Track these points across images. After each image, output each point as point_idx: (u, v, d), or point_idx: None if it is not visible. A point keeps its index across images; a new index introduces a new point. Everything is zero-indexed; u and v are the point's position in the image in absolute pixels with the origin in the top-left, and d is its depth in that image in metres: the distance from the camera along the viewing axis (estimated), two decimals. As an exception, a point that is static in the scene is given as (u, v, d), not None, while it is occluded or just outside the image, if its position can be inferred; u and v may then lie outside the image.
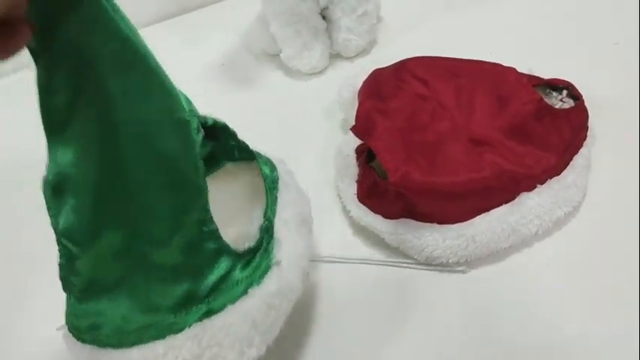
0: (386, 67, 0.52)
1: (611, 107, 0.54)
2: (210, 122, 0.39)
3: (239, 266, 0.36)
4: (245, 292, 0.35)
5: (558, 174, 0.46)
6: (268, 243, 0.38)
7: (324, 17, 0.65)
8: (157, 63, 0.31)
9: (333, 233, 0.50)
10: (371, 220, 0.47)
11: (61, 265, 0.33)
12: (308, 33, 0.64)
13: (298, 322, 0.45)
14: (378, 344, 0.43)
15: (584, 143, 0.48)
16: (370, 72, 0.52)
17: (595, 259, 0.46)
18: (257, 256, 0.37)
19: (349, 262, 0.48)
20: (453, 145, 0.46)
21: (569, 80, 0.51)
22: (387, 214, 0.46)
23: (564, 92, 0.51)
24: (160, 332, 0.34)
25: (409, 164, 0.43)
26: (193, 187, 0.34)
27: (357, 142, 0.50)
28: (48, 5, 0.26)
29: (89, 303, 0.34)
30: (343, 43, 0.66)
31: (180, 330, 0.34)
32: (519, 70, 0.51)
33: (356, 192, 0.48)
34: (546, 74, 0.52)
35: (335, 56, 0.68)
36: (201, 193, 0.34)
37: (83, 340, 0.34)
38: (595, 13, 0.67)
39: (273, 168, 0.42)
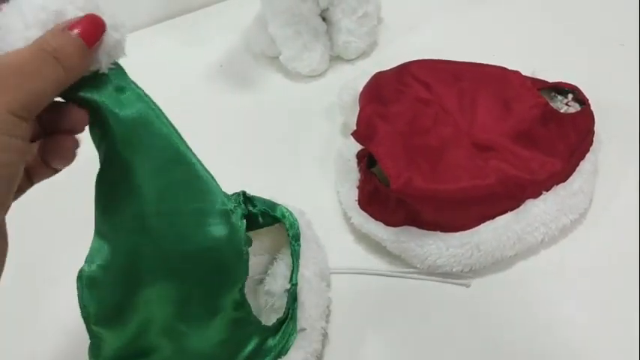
0: (387, 71, 0.51)
1: (617, 111, 0.53)
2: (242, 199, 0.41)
3: (271, 337, 0.38)
4: None
5: (564, 180, 0.45)
6: (294, 309, 0.39)
7: (324, 19, 0.64)
8: (196, 159, 0.32)
9: (333, 240, 0.49)
10: (372, 227, 0.46)
11: (91, 346, 0.34)
12: (308, 34, 0.62)
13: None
14: (380, 354, 0.42)
15: (591, 148, 0.47)
16: (371, 75, 0.51)
17: (602, 266, 0.44)
18: (284, 324, 0.38)
19: (349, 273, 0.47)
20: (456, 150, 0.45)
21: (574, 83, 0.50)
22: (389, 222, 0.45)
23: (570, 96, 0.50)
24: None
25: (411, 170, 0.42)
26: (234, 272, 0.34)
27: (358, 146, 0.49)
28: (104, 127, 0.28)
29: None
30: (343, 45, 0.65)
31: None
32: (523, 72, 0.50)
33: (357, 198, 0.47)
34: (551, 76, 0.51)
35: (335, 58, 0.67)
36: (242, 278, 0.35)
37: None
38: (600, 14, 0.66)
39: (294, 222, 0.43)
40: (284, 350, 0.38)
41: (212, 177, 0.33)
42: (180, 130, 0.32)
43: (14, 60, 0.25)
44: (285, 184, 0.54)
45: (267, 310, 0.41)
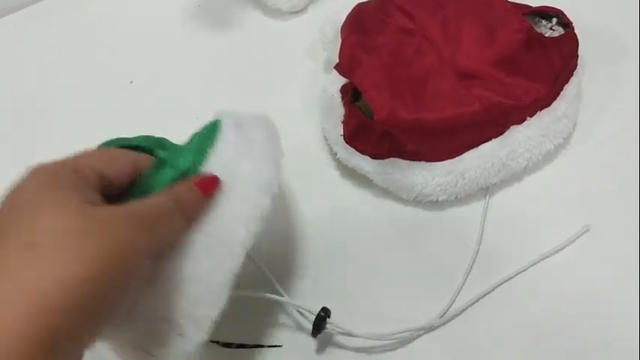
0: (369, 1, 0.50)
1: (600, 34, 0.53)
2: None
3: None
4: None
5: (548, 105, 0.45)
6: None
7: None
8: None
9: (320, 177, 0.50)
10: (358, 161, 0.46)
11: None
12: (287, -32, 0.60)
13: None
14: (369, 278, 0.44)
15: (575, 72, 0.47)
16: (353, 7, 0.50)
17: (584, 191, 0.45)
18: None
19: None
20: (440, 79, 0.44)
21: (557, 7, 0.49)
22: (375, 155, 0.45)
23: (554, 20, 0.49)
24: None
25: (395, 101, 0.42)
26: None
27: (342, 81, 0.48)
28: None
29: None
30: (324, -22, 0.63)
31: None
32: (508, -2, 0.49)
33: (342, 133, 0.47)
34: (534, 2, 0.50)
35: (316, -7, 0.65)
36: None
37: None
38: None
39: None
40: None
41: None
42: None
43: (150, 207, 0.27)
44: (271, 124, 0.54)
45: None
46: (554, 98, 0.45)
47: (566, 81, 0.46)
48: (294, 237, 0.46)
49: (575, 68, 0.47)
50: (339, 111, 0.48)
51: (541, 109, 0.45)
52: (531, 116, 0.44)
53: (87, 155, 0.28)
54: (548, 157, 0.46)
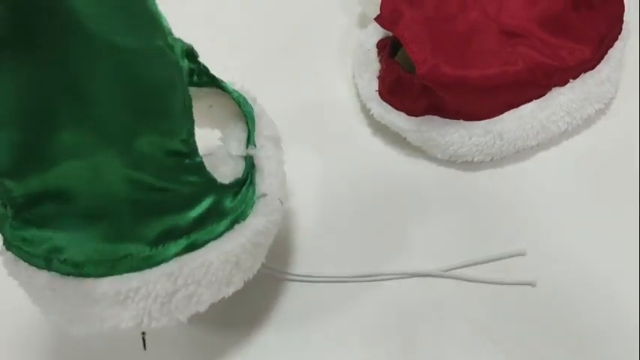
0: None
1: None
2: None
3: (228, 198, 0.33)
4: (231, 227, 0.32)
5: (592, 68, 0.44)
6: (252, 174, 0.35)
7: None
8: None
9: (351, 134, 0.49)
10: (393, 117, 0.45)
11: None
12: None
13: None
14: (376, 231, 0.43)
15: (619, 36, 0.46)
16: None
17: (624, 157, 0.44)
18: (244, 187, 0.34)
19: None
20: (484, 36, 0.43)
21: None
22: (411, 111, 0.44)
23: (601, -19, 0.48)
24: (135, 265, 0.30)
25: (438, 56, 0.41)
26: (177, 117, 0.30)
27: (379, 35, 0.47)
28: None
29: (46, 230, 0.29)
30: None
31: (157, 264, 0.30)
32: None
33: (377, 89, 0.46)
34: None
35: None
36: (187, 123, 0.30)
37: (38, 266, 0.30)
38: None
39: (240, 94, 0.38)
40: (243, 215, 0.33)
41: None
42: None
43: None
44: (299, 77, 0.53)
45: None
46: (599, 61, 0.44)
47: (611, 45, 0.45)
48: (323, 195, 0.46)
49: (620, 32, 0.46)
50: (375, 66, 0.47)
51: (585, 71, 0.44)
52: (574, 78, 0.43)
53: None
54: (588, 121, 0.45)
